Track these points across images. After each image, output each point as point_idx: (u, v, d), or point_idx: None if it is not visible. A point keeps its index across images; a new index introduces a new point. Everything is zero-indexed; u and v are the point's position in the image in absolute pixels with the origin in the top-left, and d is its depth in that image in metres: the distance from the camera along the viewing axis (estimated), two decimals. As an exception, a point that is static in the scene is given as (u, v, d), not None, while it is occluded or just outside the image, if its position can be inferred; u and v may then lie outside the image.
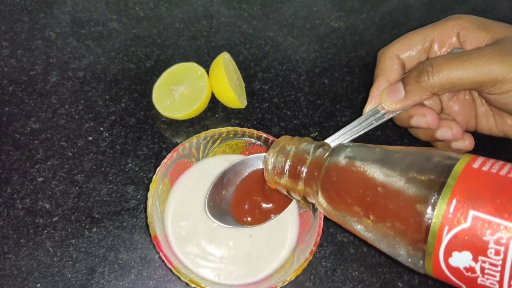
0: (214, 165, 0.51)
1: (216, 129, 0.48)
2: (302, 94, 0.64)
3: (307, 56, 0.68)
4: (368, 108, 0.49)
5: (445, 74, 0.43)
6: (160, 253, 0.42)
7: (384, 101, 0.47)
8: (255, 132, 0.49)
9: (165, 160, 0.46)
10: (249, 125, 0.60)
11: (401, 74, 0.49)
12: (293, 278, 0.42)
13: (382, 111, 0.47)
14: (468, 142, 0.50)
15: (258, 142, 0.51)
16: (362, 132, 0.47)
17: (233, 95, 0.56)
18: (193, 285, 0.41)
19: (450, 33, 0.48)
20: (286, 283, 0.42)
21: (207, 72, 0.59)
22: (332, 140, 0.47)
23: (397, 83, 0.47)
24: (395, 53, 0.49)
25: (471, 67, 0.42)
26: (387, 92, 0.47)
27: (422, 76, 0.44)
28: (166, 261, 0.41)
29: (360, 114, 0.63)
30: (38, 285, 0.48)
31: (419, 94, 0.45)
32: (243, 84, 0.62)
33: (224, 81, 0.55)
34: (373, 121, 0.47)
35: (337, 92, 0.65)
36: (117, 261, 0.50)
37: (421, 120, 0.48)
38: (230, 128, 0.49)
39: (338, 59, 0.68)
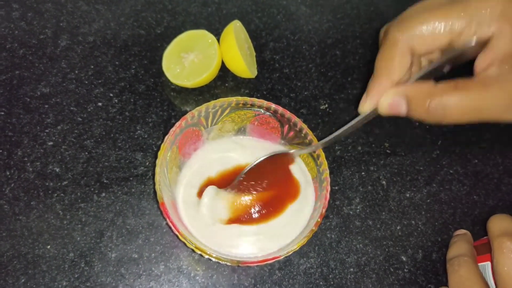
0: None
1: (225, 99, 0.48)
2: (313, 65, 0.63)
3: (319, 27, 0.67)
4: (366, 107, 0.40)
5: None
6: (167, 220, 0.42)
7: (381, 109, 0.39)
8: (264, 102, 0.49)
9: (174, 128, 0.46)
10: (258, 95, 0.60)
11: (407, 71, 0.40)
12: (297, 249, 0.43)
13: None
14: None
15: (267, 113, 0.50)
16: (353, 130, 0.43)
17: (244, 65, 0.55)
18: (198, 252, 0.41)
19: (490, 17, 0.35)
20: (290, 253, 0.42)
21: (218, 40, 0.58)
22: (329, 141, 0.45)
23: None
24: (408, 46, 0.38)
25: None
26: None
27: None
28: (173, 228, 0.42)
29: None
30: (48, 246, 0.49)
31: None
32: (254, 53, 0.62)
33: (235, 50, 0.54)
34: (365, 120, 0.41)
35: (349, 64, 0.64)
36: (125, 226, 0.51)
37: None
38: (240, 98, 0.48)
39: (351, 30, 0.67)
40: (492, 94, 0.34)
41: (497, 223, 0.47)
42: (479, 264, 0.48)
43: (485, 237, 0.52)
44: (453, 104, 0.35)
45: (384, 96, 0.38)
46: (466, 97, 0.35)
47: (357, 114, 0.58)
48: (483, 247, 0.50)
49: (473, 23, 0.35)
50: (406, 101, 0.37)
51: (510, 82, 0.34)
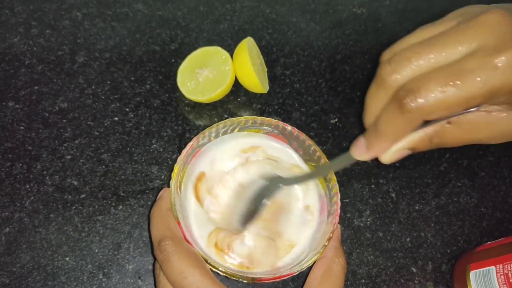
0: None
1: (235, 118, 0.49)
2: (323, 80, 0.65)
3: (329, 42, 0.68)
4: (365, 157, 0.39)
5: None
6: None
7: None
8: (273, 121, 0.49)
9: (186, 148, 0.47)
10: (270, 110, 0.62)
11: None
12: (311, 264, 0.43)
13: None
14: None
15: (276, 131, 0.51)
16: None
17: (257, 80, 0.57)
18: (214, 270, 0.42)
19: None
20: (305, 269, 0.43)
21: (231, 55, 0.60)
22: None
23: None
24: (424, 118, 0.34)
25: None
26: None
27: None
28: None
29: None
30: (67, 258, 0.50)
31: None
32: (266, 69, 0.63)
33: (248, 66, 0.56)
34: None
35: (358, 79, 0.66)
36: (141, 238, 0.52)
37: None
38: (249, 117, 0.49)
39: (359, 46, 0.69)
40: (481, 128, 0.36)
41: None
42: (482, 269, 0.49)
43: (488, 242, 0.54)
44: (449, 138, 0.36)
45: (389, 152, 0.38)
46: (459, 132, 0.36)
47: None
48: (486, 253, 0.51)
49: (491, 94, 0.32)
50: (411, 150, 0.37)
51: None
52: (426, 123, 0.36)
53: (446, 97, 0.31)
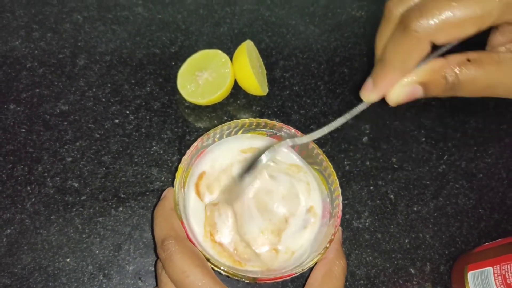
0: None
1: (239, 120, 0.49)
2: (322, 83, 0.65)
3: (327, 45, 0.69)
4: (373, 97, 0.36)
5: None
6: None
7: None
8: (276, 124, 0.50)
9: (190, 149, 0.47)
10: (269, 112, 0.62)
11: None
12: (312, 265, 0.44)
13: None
14: None
15: (279, 133, 0.52)
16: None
17: (256, 83, 0.57)
18: (216, 269, 0.42)
19: None
20: (306, 270, 0.43)
21: (230, 58, 0.60)
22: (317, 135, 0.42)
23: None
24: (430, 39, 0.31)
25: None
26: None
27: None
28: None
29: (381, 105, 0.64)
30: (68, 259, 0.51)
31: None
32: (265, 72, 0.64)
33: (248, 69, 0.56)
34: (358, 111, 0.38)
35: (357, 81, 0.66)
36: (142, 240, 0.53)
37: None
38: (253, 120, 0.50)
39: (358, 49, 0.69)
40: (506, 72, 0.32)
41: None
42: (480, 270, 0.50)
43: (486, 243, 0.54)
44: (467, 79, 0.32)
45: (398, 87, 0.34)
46: (479, 71, 0.32)
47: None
48: (483, 254, 0.51)
49: (509, 9, 0.29)
50: (422, 86, 0.34)
51: None
52: (436, 48, 0.32)
53: (455, 11, 0.29)
